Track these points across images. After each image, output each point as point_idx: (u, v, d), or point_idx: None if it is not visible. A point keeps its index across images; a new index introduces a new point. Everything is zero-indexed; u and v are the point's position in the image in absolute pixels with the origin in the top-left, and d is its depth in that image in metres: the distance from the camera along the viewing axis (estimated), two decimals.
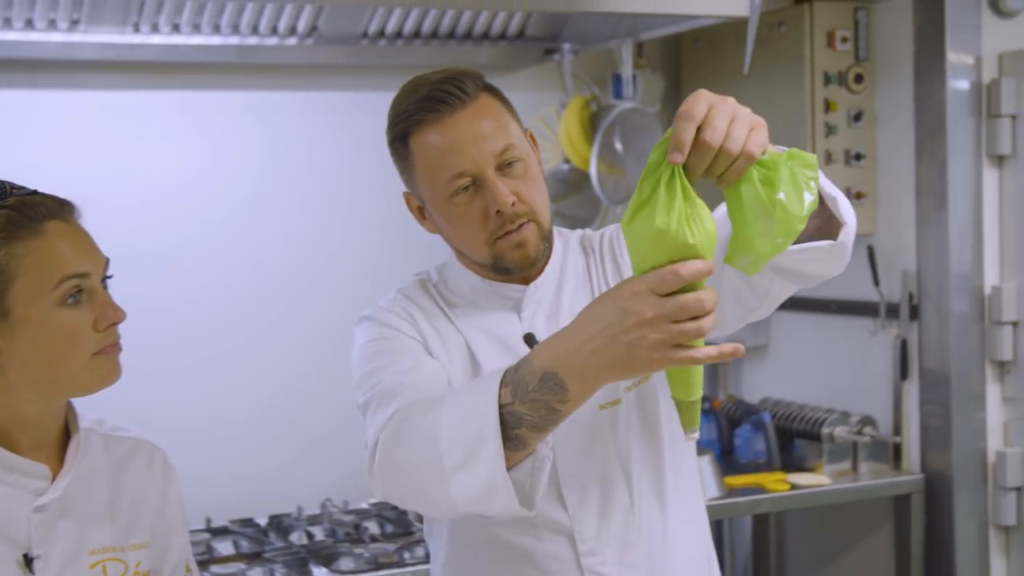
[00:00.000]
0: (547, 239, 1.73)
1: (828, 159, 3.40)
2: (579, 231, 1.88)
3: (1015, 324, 3.26)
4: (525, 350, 1.69)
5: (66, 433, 1.63)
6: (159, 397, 3.25)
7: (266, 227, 3.39)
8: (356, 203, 3.43)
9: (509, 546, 1.72)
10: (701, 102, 1.37)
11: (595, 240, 1.85)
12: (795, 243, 1.46)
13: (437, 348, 1.72)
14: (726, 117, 1.37)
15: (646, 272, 1.38)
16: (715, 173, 1.40)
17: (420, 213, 1.76)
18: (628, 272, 1.76)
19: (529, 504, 1.50)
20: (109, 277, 1.59)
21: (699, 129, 1.37)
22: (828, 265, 1.58)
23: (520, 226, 1.67)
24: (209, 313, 3.34)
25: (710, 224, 1.38)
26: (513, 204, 1.65)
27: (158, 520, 1.68)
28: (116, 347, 1.57)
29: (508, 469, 1.47)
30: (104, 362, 1.56)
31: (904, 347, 3.41)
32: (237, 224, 3.36)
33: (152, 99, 3.28)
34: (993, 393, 3.32)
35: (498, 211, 1.65)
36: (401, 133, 1.69)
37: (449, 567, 1.81)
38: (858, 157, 3.43)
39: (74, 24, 2.99)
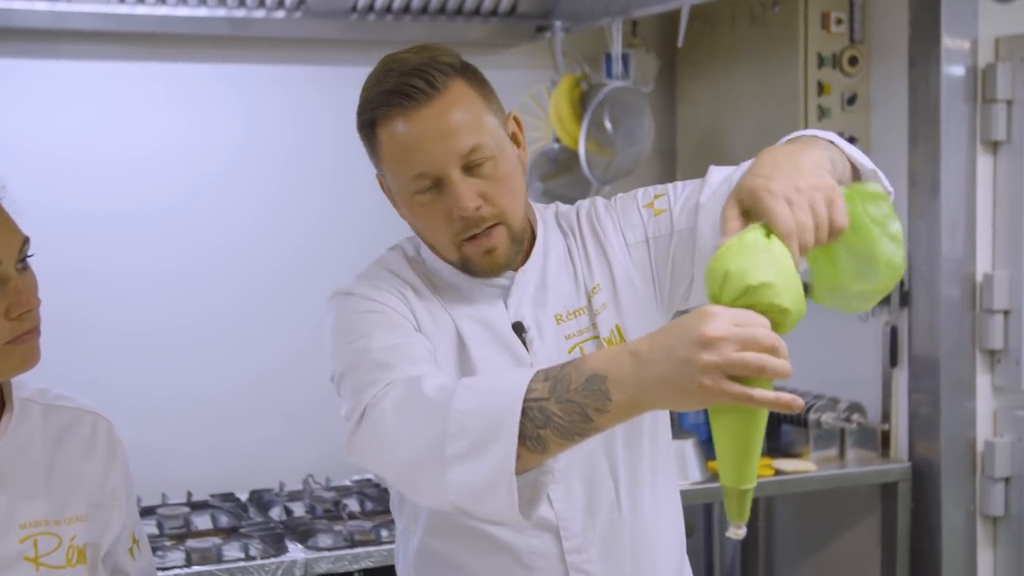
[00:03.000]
0: (518, 240, 1.66)
1: None
2: (552, 206, 1.82)
3: (1006, 312, 3.22)
4: (515, 340, 1.66)
5: (1, 405, 1.59)
6: (143, 371, 3.25)
7: (250, 200, 3.37)
8: (340, 178, 3.41)
9: (490, 538, 1.66)
10: (779, 203, 1.33)
11: (572, 218, 1.78)
12: None
13: (429, 328, 1.65)
14: (807, 208, 1.33)
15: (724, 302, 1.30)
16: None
17: (391, 195, 1.70)
18: (616, 250, 1.73)
19: (528, 513, 1.40)
20: (29, 256, 1.54)
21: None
22: None
23: (488, 230, 1.61)
24: (196, 287, 3.32)
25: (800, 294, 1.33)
26: (479, 208, 1.58)
27: (98, 493, 1.64)
28: (34, 333, 1.52)
29: (517, 472, 1.36)
30: (19, 350, 1.51)
31: (894, 334, 3.37)
32: (222, 197, 3.35)
33: (139, 70, 3.27)
34: (983, 382, 3.28)
35: (461, 215, 1.59)
36: (368, 121, 1.62)
37: (422, 555, 1.74)
38: (851, 141, 3.37)
39: None
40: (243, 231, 3.37)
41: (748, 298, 1.28)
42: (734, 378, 1.26)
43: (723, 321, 1.26)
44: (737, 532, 1.33)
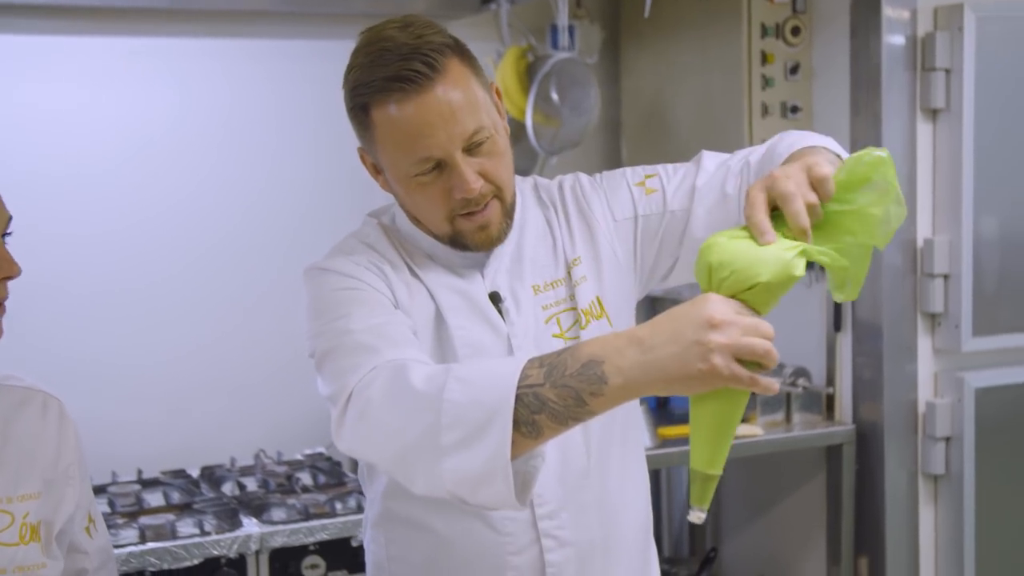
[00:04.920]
0: (510, 215, 1.68)
1: (764, 111, 3.40)
2: (530, 179, 1.83)
3: (946, 277, 3.29)
4: (492, 309, 1.67)
5: None
6: (87, 346, 3.23)
7: (193, 173, 3.35)
8: (282, 149, 3.42)
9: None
10: (759, 199, 1.37)
11: (553, 191, 1.81)
12: None
13: (406, 303, 1.66)
14: (795, 197, 1.36)
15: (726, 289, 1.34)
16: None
17: (374, 170, 1.69)
18: (601, 224, 1.76)
19: (523, 498, 1.40)
20: (8, 234, 1.54)
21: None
22: None
23: (485, 206, 1.62)
24: (141, 261, 3.30)
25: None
26: (480, 187, 1.60)
27: (51, 470, 1.64)
28: (1, 307, 1.53)
29: (511, 459, 1.36)
30: None
31: None
32: (166, 170, 3.32)
33: (77, 44, 3.23)
34: (924, 345, 3.35)
35: (463, 196, 1.59)
36: (362, 104, 1.60)
37: (392, 521, 1.75)
38: (794, 110, 3.43)
39: None
40: (187, 204, 3.34)
41: (749, 294, 1.33)
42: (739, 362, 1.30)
43: (727, 307, 1.30)
44: (698, 516, 1.35)
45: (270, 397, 3.39)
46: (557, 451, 1.68)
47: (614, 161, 3.82)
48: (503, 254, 1.72)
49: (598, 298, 1.73)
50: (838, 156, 1.59)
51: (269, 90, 3.41)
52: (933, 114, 3.30)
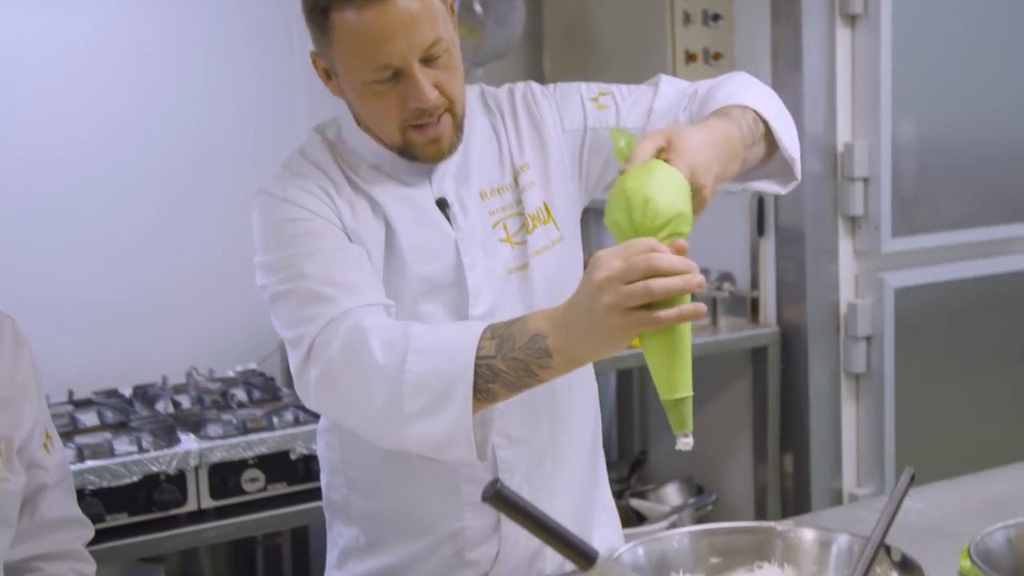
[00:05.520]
0: (461, 127, 1.69)
1: (687, 20, 3.42)
2: (476, 87, 1.84)
3: (866, 180, 3.36)
4: (440, 217, 1.69)
5: None
6: (16, 267, 3.17)
7: (122, 90, 3.28)
8: (214, 68, 3.36)
9: None
10: (710, 180, 1.47)
11: (501, 98, 1.82)
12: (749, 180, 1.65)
13: (352, 224, 1.67)
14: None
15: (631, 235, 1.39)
16: None
17: (327, 75, 1.69)
18: (551, 131, 1.78)
19: (483, 454, 1.51)
20: None
21: None
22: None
23: (438, 120, 1.63)
24: (68, 184, 3.24)
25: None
26: (435, 98, 1.61)
27: (7, 387, 1.63)
28: None
29: None
30: None
31: (761, 205, 3.49)
32: (101, 87, 3.25)
33: None
34: (845, 247, 3.43)
35: (418, 106, 1.61)
36: (322, 6, 1.59)
37: (341, 426, 1.76)
38: (716, 18, 3.46)
39: None
40: (113, 121, 3.27)
41: (670, 227, 1.38)
42: (649, 306, 1.35)
43: (609, 261, 1.36)
44: (685, 442, 1.38)
45: (200, 315, 3.38)
46: None
47: (536, 74, 3.82)
48: (451, 161, 1.73)
49: (545, 204, 1.75)
50: (763, 121, 1.64)
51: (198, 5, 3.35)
52: (852, 20, 3.34)
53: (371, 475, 1.75)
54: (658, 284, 1.33)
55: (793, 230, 3.43)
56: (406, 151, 1.68)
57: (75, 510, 1.75)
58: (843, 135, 3.38)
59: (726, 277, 3.53)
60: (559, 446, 1.78)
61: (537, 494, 1.72)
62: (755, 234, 3.51)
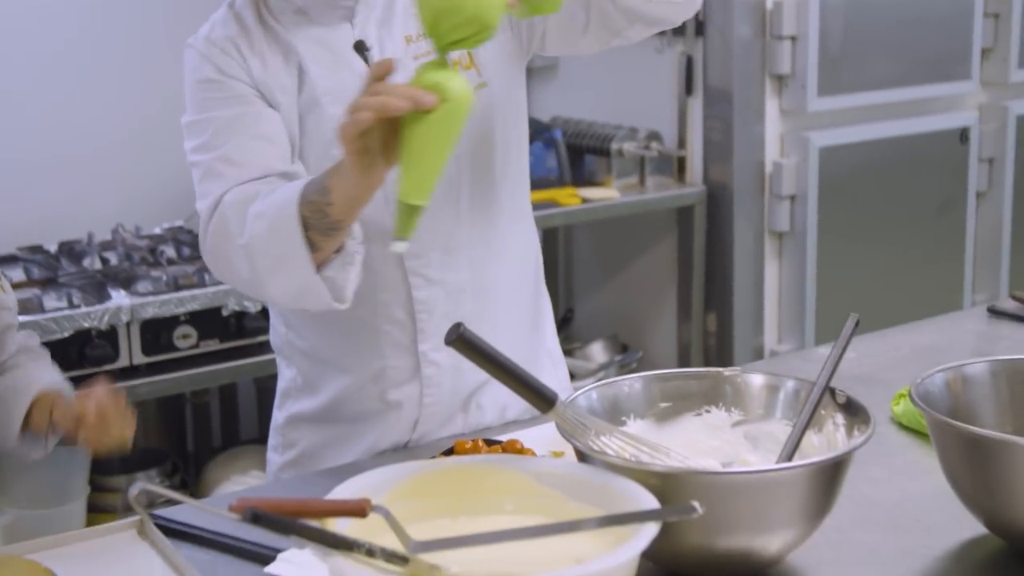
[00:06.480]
0: None
1: None
2: None
3: (793, 39, 3.38)
4: (356, 59, 1.68)
5: None
6: None
7: None
8: None
9: None
10: None
11: None
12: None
13: (260, 75, 1.68)
14: None
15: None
16: None
17: None
18: None
19: (341, 299, 1.59)
20: None
21: None
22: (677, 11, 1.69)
23: None
24: None
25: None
26: None
27: None
28: None
29: (319, 268, 1.56)
30: None
31: (689, 64, 3.50)
32: None
33: None
34: (772, 107, 3.46)
35: None
36: None
37: None
38: None
39: None
40: None
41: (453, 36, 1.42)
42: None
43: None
44: (400, 247, 1.42)
45: (124, 170, 3.31)
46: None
47: None
48: (375, 5, 1.72)
49: (468, 51, 1.74)
50: None
51: None
52: None
53: (303, 314, 1.79)
54: (375, 100, 1.40)
55: (721, 89, 3.45)
56: None
57: (36, 341, 1.81)
58: None
59: (654, 136, 3.55)
60: (483, 289, 1.79)
61: None
62: (683, 93, 3.52)
